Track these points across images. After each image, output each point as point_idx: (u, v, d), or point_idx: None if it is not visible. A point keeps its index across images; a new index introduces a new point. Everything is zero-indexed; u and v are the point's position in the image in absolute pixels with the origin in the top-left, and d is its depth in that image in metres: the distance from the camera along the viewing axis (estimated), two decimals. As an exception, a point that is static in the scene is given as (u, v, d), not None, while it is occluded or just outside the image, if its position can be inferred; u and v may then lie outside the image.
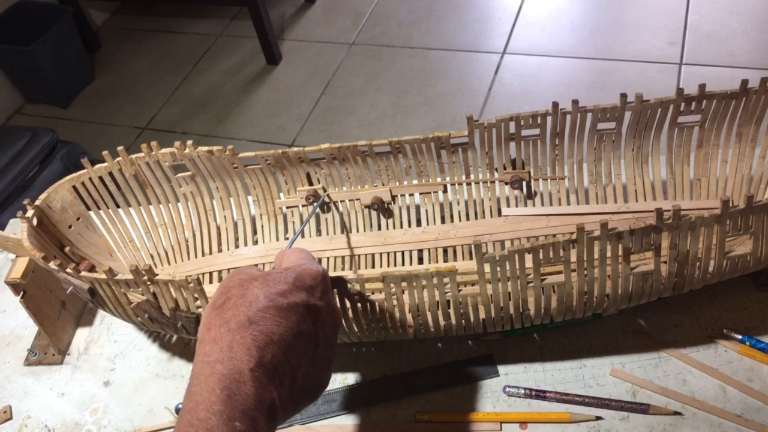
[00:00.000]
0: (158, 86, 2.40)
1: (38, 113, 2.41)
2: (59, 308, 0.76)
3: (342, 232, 0.78)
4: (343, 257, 0.77)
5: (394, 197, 0.77)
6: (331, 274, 0.75)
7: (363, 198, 0.77)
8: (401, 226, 0.78)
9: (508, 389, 0.63)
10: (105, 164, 0.77)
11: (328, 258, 0.77)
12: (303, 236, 0.79)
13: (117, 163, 0.77)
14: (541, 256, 0.56)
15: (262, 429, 0.41)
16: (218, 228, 0.81)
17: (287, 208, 0.80)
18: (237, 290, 0.46)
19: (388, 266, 0.76)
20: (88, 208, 0.78)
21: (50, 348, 0.75)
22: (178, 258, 0.80)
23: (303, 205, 0.79)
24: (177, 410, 0.66)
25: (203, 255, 0.80)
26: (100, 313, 0.79)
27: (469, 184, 0.76)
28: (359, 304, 0.59)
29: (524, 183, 0.75)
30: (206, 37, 2.57)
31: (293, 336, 0.45)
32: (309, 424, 0.64)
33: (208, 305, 0.47)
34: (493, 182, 0.76)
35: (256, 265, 0.78)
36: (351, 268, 0.76)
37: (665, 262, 0.58)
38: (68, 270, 0.63)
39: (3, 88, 2.37)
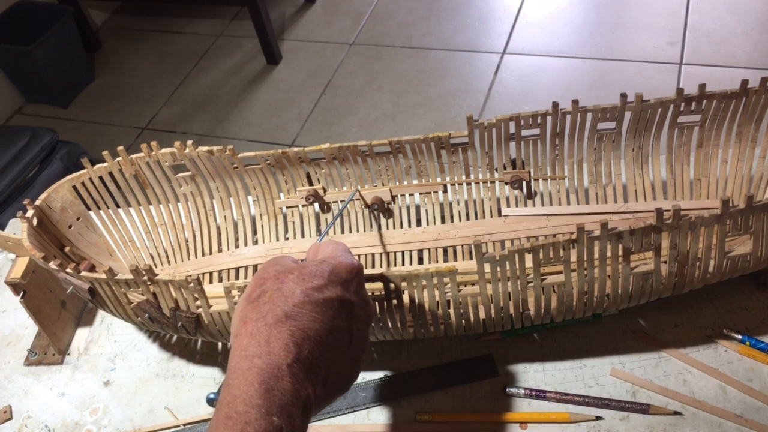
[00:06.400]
0: (158, 86, 2.40)
1: (38, 113, 2.41)
2: (59, 308, 0.76)
3: (342, 232, 0.79)
4: (343, 257, 0.77)
5: (394, 197, 0.77)
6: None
7: (363, 198, 0.77)
8: (401, 226, 0.78)
9: (508, 389, 0.63)
10: (105, 164, 0.77)
11: (328, 258, 0.77)
12: (303, 236, 0.79)
13: (117, 163, 0.77)
14: (541, 256, 0.56)
15: (297, 425, 0.41)
16: (218, 228, 0.81)
17: (287, 208, 0.80)
18: (273, 283, 0.46)
19: (388, 266, 0.76)
20: (88, 208, 0.78)
21: (50, 348, 0.75)
22: (178, 258, 0.80)
23: (303, 205, 0.79)
24: (209, 400, 0.66)
25: (203, 255, 0.80)
26: (100, 313, 0.79)
27: (469, 184, 0.76)
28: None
29: (524, 183, 0.75)
30: (206, 37, 2.57)
31: (328, 331, 0.45)
32: (309, 424, 0.64)
33: (242, 297, 0.47)
34: (493, 182, 0.76)
35: (255, 266, 0.78)
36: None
37: (665, 262, 0.58)
38: (68, 270, 0.63)
39: (3, 88, 2.37)
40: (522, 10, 2.34)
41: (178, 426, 0.67)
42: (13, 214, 0.86)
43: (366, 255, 0.77)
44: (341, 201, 0.78)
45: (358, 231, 0.78)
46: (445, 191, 0.77)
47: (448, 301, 0.59)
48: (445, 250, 0.76)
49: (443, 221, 0.77)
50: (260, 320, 0.44)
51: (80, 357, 0.75)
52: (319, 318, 0.45)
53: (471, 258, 0.74)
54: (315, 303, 0.45)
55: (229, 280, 0.78)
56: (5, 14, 2.28)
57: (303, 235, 0.79)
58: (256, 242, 0.80)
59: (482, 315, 0.60)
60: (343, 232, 0.78)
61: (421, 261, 0.76)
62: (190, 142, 0.76)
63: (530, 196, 0.76)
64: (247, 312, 0.45)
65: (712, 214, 0.54)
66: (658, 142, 0.73)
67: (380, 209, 0.77)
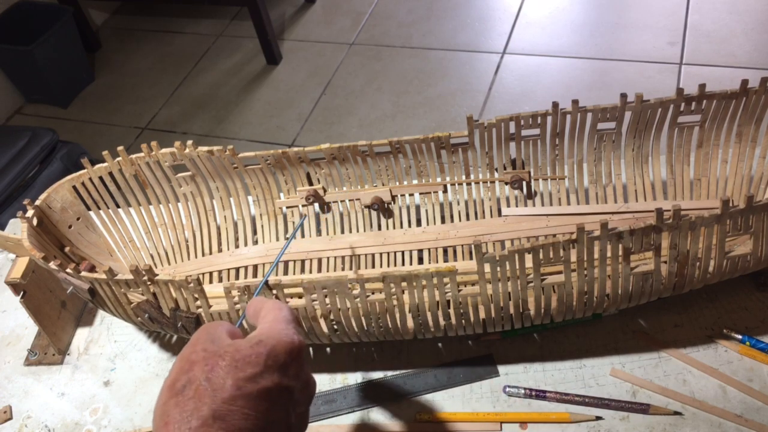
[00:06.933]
0: (158, 86, 2.40)
1: (38, 113, 2.41)
2: (59, 308, 0.76)
3: (342, 232, 0.78)
4: (343, 257, 0.77)
5: (394, 197, 0.77)
6: (331, 274, 0.76)
7: (363, 198, 0.77)
8: (401, 226, 0.78)
9: (508, 389, 0.63)
10: (105, 164, 0.77)
11: (328, 258, 0.77)
12: (303, 236, 0.79)
13: (117, 163, 0.77)
14: (541, 256, 0.56)
15: None
16: (218, 228, 0.81)
17: (287, 208, 0.80)
18: (200, 371, 0.40)
19: (388, 266, 0.76)
20: (88, 208, 0.78)
21: (50, 348, 0.75)
22: (178, 258, 0.80)
23: (303, 205, 0.79)
24: None
25: (203, 255, 0.80)
26: (100, 313, 0.79)
27: (469, 184, 0.76)
28: (359, 305, 0.59)
29: (524, 183, 0.75)
30: (206, 37, 2.57)
31: (262, 428, 0.40)
32: (309, 424, 0.64)
33: (166, 384, 0.41)
34: (493, 182, 0.76)
35: (255, 266, 0.78)
36: (351, 268, 0.76)
37: (665, 262, 0.58)
38: (68, 270, 0.63)
39: (3, 88, 2.37)
40: (522, 10, 2.34)
41: (178, 426, 0.67)
42: (13, 214, 0.86)
43: (366, 255, 0.77)
44: (341, 201, 0.78)
45: (358, 231, 0.78)
46: (445, 191, 0.77)
47: (448, 301, 0.59)
48: (445, 250, 0.76)
49: (443, 221, 0.77)
50: (183, 423, 0.38)
51: (80, 357, 0.75)
52: (252, 414, 0.39)
53: (471, 258, 0.74)
54: (248, 396, 0.40)
55: (229, 280, 0.78)
56: (5, 14, 2.28)
57: (303, 235, 0.79)
58: (256, 242, 0.80)
59: (482, 315, 0.60)
60: (343, 231, 0.78)
61: (421, 261, 0.76)
62: (190, 142, 0.76)
63: (530, 196, 0.76)
64: (169, 408, 0.39)
65: (712, 214, 0.54)
66: (658, 142, 0.73)
67: (380, 209, 0.77)
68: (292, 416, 0.43)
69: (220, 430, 0.38)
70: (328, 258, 0.77)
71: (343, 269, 0.77)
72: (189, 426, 0.38)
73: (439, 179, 0.77)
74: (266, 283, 0.58)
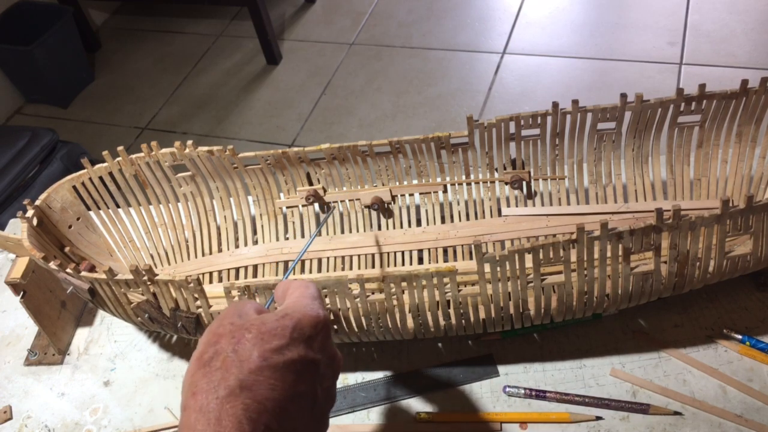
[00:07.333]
0: (158, 86, 2.40)
1: (38, 113, 2.41)
2: (59, 308, 0.76)
3: (342, 232, 0.78)
4: (343, 257, 0.77)
5: (394, 197, 0.77)
6: (331, 274, 0.76)
7: (363, 198, 0.77)
8: (401, 226, 0.78)
9: (508, 389, 0.63)
10: (105, 164, 0.77)
11: (328, 258, 0.77)
12: (303, 236, 0.79)
13: (117, 163, 0.77)
14: (541, 256, 0.56)
15: None
16: (218, 228, 0.81)
17: (287, 208, 0.80)
18: (227, 343, 0.41)
19: (388, 266, 0.76)
20: (88, 208, 0.78)
21: (50, 348, 0.75)
22: (178, 258, 0.80)
23: (303, 205, 0.79)
24: None
25: (203, 255, 0.80)
26: (100, 313, 0.79)
27: (469, 184, 0.76)
28: (359, 305, 0.59)
29: (524, 183, 0.75)
30: (206, 37, 2.57)
31: (289, 399, 0.40)
32: (309, 424, 0.64)
33: (194, 356, 0.42)
34: (493, 182, 0.76)
35: (255, 266, 0.78)
36: (351, 268, 0.76)
37: (665, 262, 0.58)
38: (68, 270, 0.63)
39: (3, 88, 2.37)
40: (522, 10, 2.34)
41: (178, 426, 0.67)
42: (13, 214, 0.86)
43: (366, 255, 0.77)
44: (341, 201, 0.78)
45: (358, 231, 0.78)
46: (445, 191, 0.77)
47: (448, 301, 0.59)
48: (445, 250, 0.76)
49: (443, 221, 0.77)
50: (211, 392, 0.39)
51: (80, 357, 0.75)
52: (278, 385, 0.40)
53: (471, 258, 0.74)
54: (274, 368, 0.40)
55: (229, 280, 0.78)
56: (5, 14, 2.28)
57: (303, 235, 0.79)
58: (256, 242, 0.80)
59: (482, 315, 0.60)
60: (343, 231, 0.78)
61: (421, 261, 0.76)
62: (190, 142, 0.76)
63: (530, 196, 0.76)
64: (197, 379, 0.40)
65: (712, 214, 0.54)
66: (658, 142, 0.73)
67: (380, 209, 0.77)
68: (319, 390, 0.43)
69: (248, 400, 0.38)
70: (328, 258, 0.77)
71: (343, 269, 0.77)
72: (216, 395, 0.39)
73: (439, 179, 0.77)
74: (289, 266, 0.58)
